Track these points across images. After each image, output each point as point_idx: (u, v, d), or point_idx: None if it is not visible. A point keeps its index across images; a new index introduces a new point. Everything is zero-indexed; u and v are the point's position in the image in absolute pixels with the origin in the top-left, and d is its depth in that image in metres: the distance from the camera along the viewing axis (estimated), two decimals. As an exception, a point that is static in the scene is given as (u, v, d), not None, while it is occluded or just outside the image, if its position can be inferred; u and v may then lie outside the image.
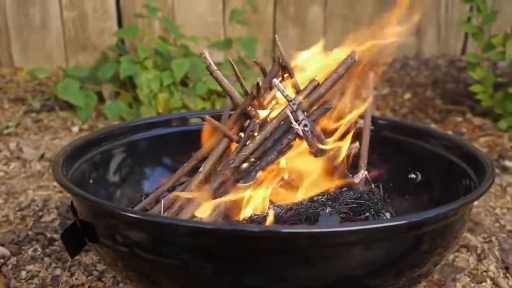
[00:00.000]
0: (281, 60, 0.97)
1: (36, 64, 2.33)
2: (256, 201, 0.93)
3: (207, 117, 0.93)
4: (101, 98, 2.06)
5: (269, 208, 0.91)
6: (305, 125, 0.91)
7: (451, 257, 1.21)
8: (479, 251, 1.26)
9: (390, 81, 2.46)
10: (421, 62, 2.69)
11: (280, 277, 0.73)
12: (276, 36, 1.01)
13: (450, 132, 1.93)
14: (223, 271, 0.73)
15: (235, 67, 0.97)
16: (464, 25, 2.11)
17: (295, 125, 0.92)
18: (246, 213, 0.90)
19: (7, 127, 1.92)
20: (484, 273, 1.19)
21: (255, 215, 0.88)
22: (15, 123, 1.96)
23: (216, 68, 0.95)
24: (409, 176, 1.06)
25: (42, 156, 1.74)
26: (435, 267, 0.83)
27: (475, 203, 1.42)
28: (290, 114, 0.92)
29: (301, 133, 0.92)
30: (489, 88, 1.99)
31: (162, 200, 0.91)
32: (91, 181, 0.96)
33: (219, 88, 1.97)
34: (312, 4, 2.54)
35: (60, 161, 0.86)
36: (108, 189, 1.01)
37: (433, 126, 2.01)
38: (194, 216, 0.86)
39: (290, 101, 0.93)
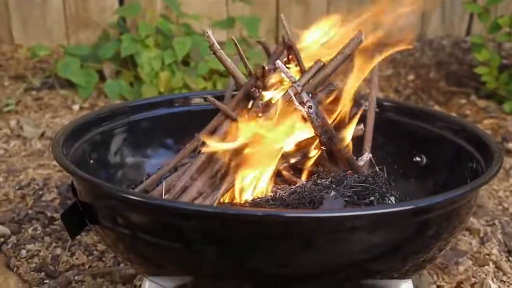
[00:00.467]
0: (286, 40, 0.95)
1: (37, 42, 2.31)
2: (259, 183, 0.92)
3: (209, 97, 0.91)
4: (102, 77, 2.04)
5: (272, 191, 0.90)
6: (310, 107, 0.89)
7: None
8: (481, 234, 1.26)
9: (394, 62, 2.43)
10: (425, 43, 2.66)
11: (284, 261, 0.72)
12: (281, 15, 0.99)
13: (454, 114, 1.91)
14: (225, 254, 0.72)
15: (238, 46, 0.96)
16: (469, 5, 2.08)
17: (299, 106, 0.90)
18: (249, 195, 0.89)
19: (7, 105, 1.91)
20: (487, 256, 1.18)
21: (258, 197, 0.87)
22: (15, 101, 1.95)
23: (219, 48, 0.93)
24: (414, 159, 1.04)
25: (42, 135, 1.73)
26: (440, 252, 0.82)
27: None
28: (293, 95, 0.90)
29: (305, 114, 0.90)
30: (494, 70, 1.97)
31: (164, 182, 0.90)
32: (91, 161, 0.95)
33: (221, 68, 1.96)
34: (316, -17, 2.51)
35: (60, 141, 0.84)
36: (109, 169, 0.99)
37: (437, 108, 1.99)
38: (195, 198, 0.85)
39: (294, 82, 0.91)
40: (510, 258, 1.18)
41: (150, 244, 0.74)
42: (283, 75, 0.92)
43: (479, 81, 2.04)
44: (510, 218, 1.33)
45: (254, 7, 2.31)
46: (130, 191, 0.85)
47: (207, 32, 0.92)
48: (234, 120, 0.93)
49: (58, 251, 1.15)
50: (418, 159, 1.05)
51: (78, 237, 1.16)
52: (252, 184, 0.91)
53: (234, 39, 0.97)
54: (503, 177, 1.53)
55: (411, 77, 2.29)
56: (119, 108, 1.03)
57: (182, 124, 1.06)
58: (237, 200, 0.89)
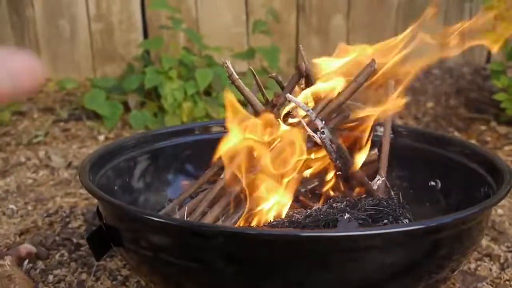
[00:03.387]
0: (304, 70, 0.99)
1: (65, 75, 2.39)
2: (276, 208, 0.94)
3: (230, 124, 0.95)
4: (126, 108, 2.10)
5: (288, 215, 0.93)
6: (323, 133, 0.92)
7: (473, 265, 1.21)
8: (502, 260, 1.26)
9: (413, 89, 2.45)
10: (445, 71, 2.68)
11: (299, 281, 0.74)
12: (300, 46, 1.03)
13: (474, 141, 1.92)
14: (245, 274, 0.74)
15: (256, 76, 1.00)
16: (487, 33, 2.10)
17: (311, 133, 0.93)
18: (266, 219, 0.92)
19: (36, 136, 1.97)
20: (507, 282, 1.18)
21: (275, 220, 0.90)
22: (44, 132, 2.01)
23: (237, 77, 0.97)
24: (429, 183, 1.06)
25: (69, 164, 1.78)
26: (452, 273, 0.83)
27: (500, 211, 1.42)
28: (305, 123, 0.94)
29: (319, 140, 0.94)
30: (513, 96, 1.98)
31: (186, 205, 0.93)
32: (116, 187, 0.98)
33: (241, 98, 2.00)
34: (334, 14, 2.56)
35: (87, 167, 0.88)
36: (132, 195, 1.03)
37: (457, 134, 2.00)
38: (217, 220, 0.88)
39: (308, 110, 0.95)
40: (530, 283, 1.18)
41: (172, 265, 0.77)
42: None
43: (499, 107, 2.04)
44: (531, 244, 1.32)
45: (274, 38, 2.36)
46: (154, 213, 0.88)
47: (226, 63, 0.96)
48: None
49: (84, 276, 1.18)
50: (433, 183, 1.06)
51: (102, 262, 1.20)
52: (269, 209, 0.94)
53: (252, 70, 1.01)
54: (524, 203, 1.53)
55: (430, 104, 2.31)
56: (142, 137, 1.07)
57: (202, 151, 1.10)
58: (254, 224, 0.92)
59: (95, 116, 2.11)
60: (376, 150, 1.04)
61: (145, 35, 2.49)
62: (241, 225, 0.92)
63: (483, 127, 2.06)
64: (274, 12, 2.30)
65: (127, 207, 0.79)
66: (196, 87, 1.99)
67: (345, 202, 0.91)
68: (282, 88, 1.02)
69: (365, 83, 0.98)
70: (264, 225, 0.89)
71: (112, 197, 0.82)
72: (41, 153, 1.85)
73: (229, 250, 0.75)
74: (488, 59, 2.72)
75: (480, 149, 1.03)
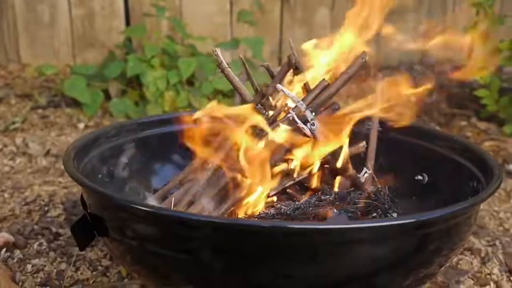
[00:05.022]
0: (293, 61, 0.98)
1: (44, 61, 2.34)
2: (264, 199, 0.93)
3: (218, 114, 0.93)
4: (107, 96, 2.07)
5: (276, 207, 0.92)
6: (312, 124, 0.91)
7: (455, 260, 1.21)
8: (483, 254, 1.27)
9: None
10: (427, 67, 2.69)
11: (287, 273, 0.73)
12: (290, 39, 1.01)
13: (455, 136, 1.93)
14: (232, 265, 0.73)
15: (246, 65, 0.98)
16: (470, 29, 2.11)
17: (301, 125, 0.92)
18: (254, 210, 0.91)
19: (14, 123, 1.93)
20: (488, 276, 1.19)
21: (263, 212, 0.89)
22: (22, 119, 1.97)
23: (227, 66, 0.95)
24: (416, 177, 1.06)
25: (47, 152, 1.75)
26: (440, 268, 0.83)
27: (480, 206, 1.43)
28: (295, 115, 0.93)
29: (308, 132, 0.93)
30: (494, 93, 2.00)
31: (173, 195, 0.92)
32: (100, 175, 0.96)
33: (224, 88, 1.99)
34: (319, 6, 2.55)
35: (71, 155, 0.86)
36: (117, 184, 1.01)
37: (438, 129, 2.01)
38: (204, 210, 0.86)
39: (297, 101, 0.94)
40: (511, 278, 1.19)
41: (158, 255, 0.76)
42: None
43: (480, 103, 2.06)
44: (511, 238, 1.34)
45: (258, 29, 2.34)
46: (141, 202, 0.86)
47: (216, 51, 0.94)
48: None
49: (63, 266, 1.16)
50: (420, 177, 1.06)
51: (82, 252, 1.17)
52: (257, 200, 0.93)
53: (242, 58, 1.00)
54: (504, 199, 1.55)
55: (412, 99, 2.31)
56: (128, 125, 1.05)
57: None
58: (241, 215, 0.91)
59: (75, 103, 2.07)
60: (364, 143, 1.03)
61: (127, 22, 2.45)
62: (228, 216, 0.90)
63: (463, 123, 2.08)
64: (259, 2, 2.28)
65: (114, 195, 0.77)
66: (179, 77, 1.97)
67: (333, 195, 0.90)
68: (272, 77, 1.01)
69: (355, 74, 0.98)
70: (253, 216, 0.88)
71: (97, 185, 0.80)
72: (19, 140, 1.81)
73: (216, 241, 0.73)
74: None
75: (468, 144, 1.03)
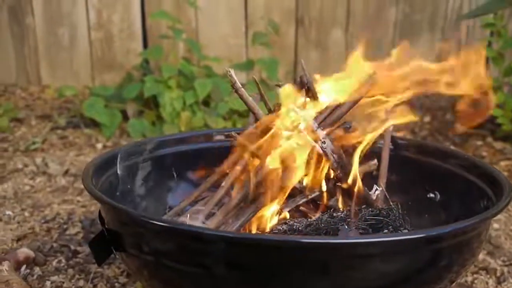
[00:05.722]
0: (305, 82, 1.00)
1: (63, 83, 2.40)
2: (277, 216, 0.95)
3: (233, 133, 0.96)
4: (125, 116, 2.10)
5: (289, 224, 0.93)
6: (324, 142, 0.93)
7: (470, 279, 1.21)
8: (498, 274, 1.26)
9: (410, 103, 2.46)
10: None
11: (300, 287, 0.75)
12: (302, 60, 1.04)
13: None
14: (246, 280, 0.75)
15: (259, 85, 1.00)
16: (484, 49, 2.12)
17: (312, 142, 0.94)
18: (267, 227, 0.92)
19: (34, 143, 1.97)
20: (503, 295, 1.19)
21: (276, 229, 0.91)
22: (42, 139, 2.01)
23: (240, 86, 0.98)
24: (428, 195, 1.07)
25: (66, 172, 1.78)
26: (451, 284, 0.84)
27: (496, 226, 1.43)
28: (306, 133, 0.95)
29: (320, 150, 0.94)
30: (509, 112, 1.99)
31: (189, 211, 0.94)
32: (117, 193, 0.99)
33: (240, 108, 2.01)
34: (333, 27, 2.58)
35: (89, 172, 0.89)
36: (134, 201, 1.03)
37: (450, 147, 2.01)
38: (219, 226, 0.88)
39: (309, 120, 0.96)
40: (526, 297, 1.18)
41: (174, 270, 0.78)
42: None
43: (495, 123, 2.06)
44: (527, 258, 1.33)
45: (273, 50, 2.37)
46: (157, 218, 0.88)
47: (229, 72, 0.97)
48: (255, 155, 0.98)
49: (81, 283, 1.18)
50: (432, 195, 1.07)
51: (100, 269, 1.20)
52: (270, 217, 0.95)
53: (255, 79, 1.02)
54: (519, 218, 1.54)
55: (427, 118, 2.32)
56: (144, 143, 1.08)
57: (203, 159, 1.10)
58: (254, 231, 0.93)
59: (93, 124, 2.11)
60: (375, 161, 1.04)
61: (145, 44, 2.50)
62: (242, 231, 0.92)
63: (479, 142, 2.08)
64: (274, 24, 2.31)
65: (131, 211, 0.80)
66: (195, 97, 2.00)
67: (345, 212, 0.92)
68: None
69: (366, 95, 0.99)
70: (266, 233, 0.90)
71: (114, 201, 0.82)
72: (38, 160, 1.85)
73: (230, 256, 0.75)
74: (484, 75, 2.74)
75: (479, 162, 1.04)
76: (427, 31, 2.58)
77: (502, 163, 1.90)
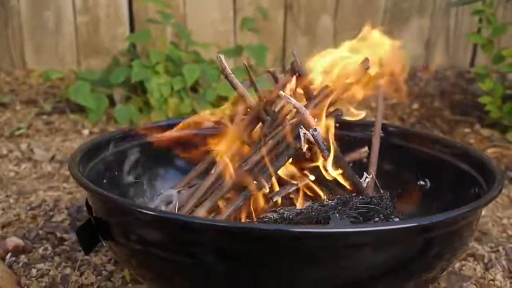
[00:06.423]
0: (296, 69, 0.99)
1: (49, 67, 2.36)
2: (267, 204, 0.94)
3: (222, 119, 0.94)
4: (112, 102, 2.08)
5: (279, 212, 0.93)
6: (315, 130, 0.92)
7: (458, 265, 1.22)
8: (486, 260, 1.27)
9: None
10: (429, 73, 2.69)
11: (290, 277, 0.74)
12: (294, 48, 1.02)
13: (458, 143, 1.93)
14: (236, 269, 0.74)
15: (250, 71, 0.99)
16: (473, 36, 2.12)
17: (304, 130, 0.93)
18: (256, 215, 0.91)
19: (19, 129, 1.94)
20: (491, 282, 1.19)
21: (266, 217, 0.90)
22: (27, 125, 1.99)
23: (231, 72, 0.96)
24: (419, 182, 1.07)
25: (52, 158, 1.76)
26: (442, 273, 0.84)
27: (483, 212, 1.44)
28: (298, 121, 0.94)
29: (311, 138, 0.93)
30: (497, 99, 2.00)
31: (177, 199, 0.92)
32: (105, 180, 0.97)
33: (228, 95, 1.99)
34: (322, 14, 2.56)
35: (76, 159, 0.87)
36: (121, 189, 1.02)
37: (440, 135, 2.02)
38: (208, 215, 0.87)
39: (300, 108, 0.94)
40: (514, 283, 1.19)
41: (162, 259, 0.77)
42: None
43: (483, 110, 2.06)
44: (514, 244, 1.34)
45: (261, 36, 2.35)
46: (145, 206, 0.87)
47: (220, 57, 0.95)
48: (244, 142, 0.97)
49: (68, 271, 1.17)
50: (422, 183, 1.07)
51: (87, 257, 1.18)
52: (260, 205, 0.94)
53: (246, 64, 1.00)
54: (507, 205, 1.55)
55: (415, 106, 2.32)
56: (132, 130, 1.06)
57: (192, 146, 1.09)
58: (244, 219, 0.92)
59: (79, 109, 2.09)
60: (366, 148, 1.04)
61: (132, 29, 2.47)
62: (232, 220, 0.91)
63: (467, 130, 2.08)
64: (263, 10, 2.29)
65: (117, 198, 0.78)
66: (183, 83, 1.98)
67: (336, 200, 0.91)
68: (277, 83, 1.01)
69: (358, 81, 0.98)
70: (255, 221, 0.89)
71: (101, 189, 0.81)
72: (24, 146, 1.83)
73: (220, 245, 0.74)
74: (472, 63, 2.75)
75: (471, 150, 1.03)
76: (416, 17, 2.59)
77: (490, 150, 1.91)
